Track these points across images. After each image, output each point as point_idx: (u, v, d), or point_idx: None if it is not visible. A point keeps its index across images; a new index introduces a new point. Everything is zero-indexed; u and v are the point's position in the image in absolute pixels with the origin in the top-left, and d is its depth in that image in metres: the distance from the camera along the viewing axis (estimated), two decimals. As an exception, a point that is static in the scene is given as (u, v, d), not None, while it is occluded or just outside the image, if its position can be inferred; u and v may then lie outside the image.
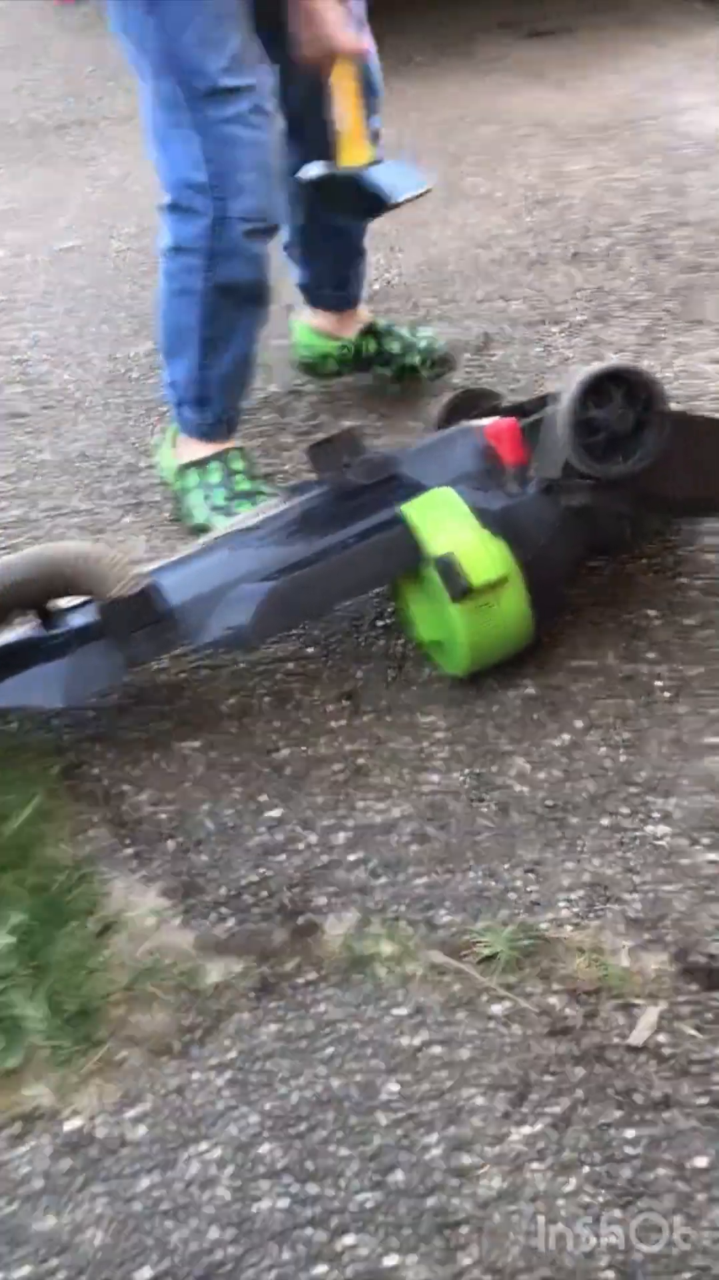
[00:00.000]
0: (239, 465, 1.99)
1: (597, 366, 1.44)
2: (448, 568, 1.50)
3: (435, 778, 1.56)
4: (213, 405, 1.98)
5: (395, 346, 2.27)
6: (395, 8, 4.25)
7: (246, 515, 1.69)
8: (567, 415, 1.42)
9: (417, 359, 2.26)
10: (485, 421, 1.67)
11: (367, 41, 1.86)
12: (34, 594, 1.57)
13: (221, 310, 1.86)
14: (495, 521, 1.55)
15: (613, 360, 1.59)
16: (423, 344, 2.27)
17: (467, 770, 1.57)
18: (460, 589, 1.50)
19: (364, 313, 2.31)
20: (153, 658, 1.65)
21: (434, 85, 3.71)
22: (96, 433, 2.34)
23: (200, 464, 2.00)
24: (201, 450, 2.01)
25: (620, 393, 1.43)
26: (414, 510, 1.56)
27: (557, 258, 2.75)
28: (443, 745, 1.60)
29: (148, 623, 1.55)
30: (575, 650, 1.72)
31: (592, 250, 2.78)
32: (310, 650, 1.76)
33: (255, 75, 1.73)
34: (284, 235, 2.14)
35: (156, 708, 1.68)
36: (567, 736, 1.61)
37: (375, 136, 1.94)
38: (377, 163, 1.86)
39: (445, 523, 1.54)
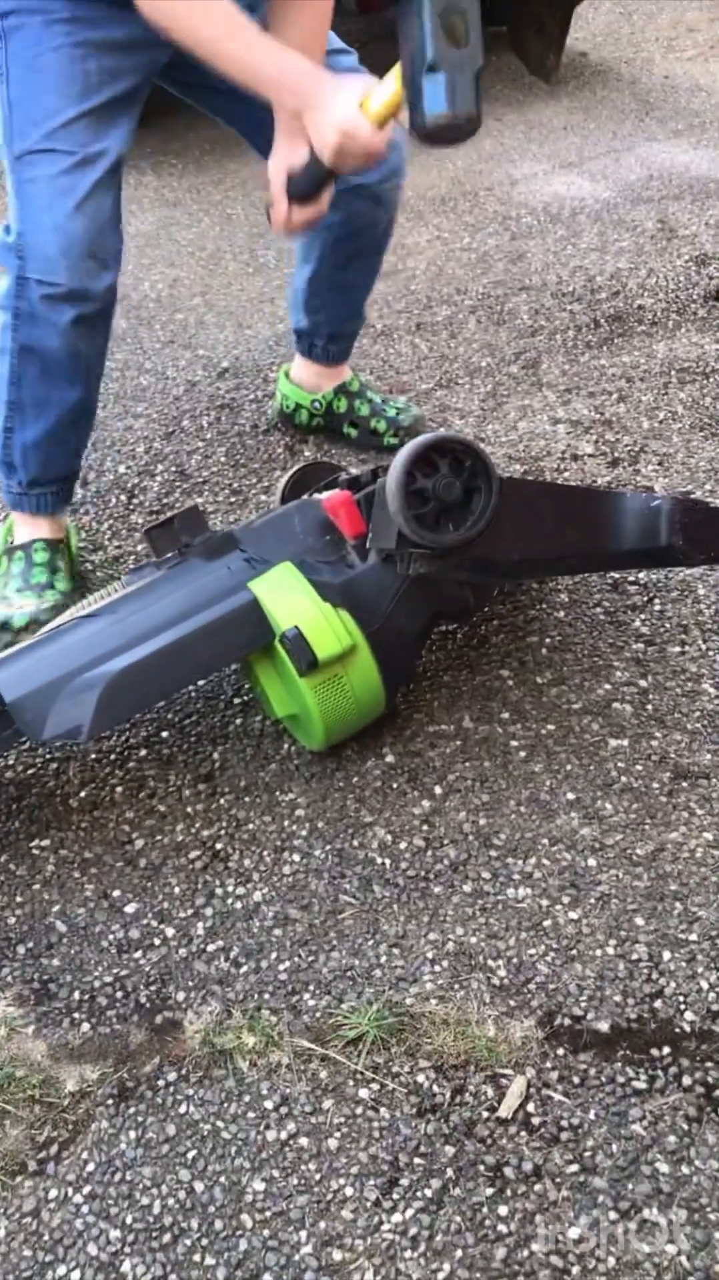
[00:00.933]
0: (41, 558, 1.96)
1: (421, 439, 1.45)
2: (294, 642, 1.49)
3: (297, 857, 1.54)
4: (17, 473, 1.93)
5: (364, 410, 2.33)
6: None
7: (87, 601, 1.65)
8: (395, 488, 1.42)
9: (381, 425, 2.31)
10: (324, 495, 1.67)
11: (315, 211, 1.79)
12: None
13: (26, 374, 1.81)
14: (337, 594, 1.54)
15: (439, 431, 1.59)
16: (391, 412, 2.32)
17: (328, 846, 1.55)
18: (307, 662, 1.49)
19: (345, 371, 2.35)
20: None
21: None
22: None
23: (9, 552, 1.98)
24: (22, 529, 1.98)
25: (446, 462, 1.44)
26: (260, 586, 1.55)
27: (402, 328, 2.80)
28: (303, 823, 1.58)
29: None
30: (432, 715, 1.72)
31: (435, 319, 2.83)
32: (165, 734, 1.73)
33: (80, 142, 1.71)
34: (294, 282, 2.26)
35: (2, 805, 1.63)
36: (427, 804, 1.60)
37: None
38: None
39: (290, 598, 1.53)
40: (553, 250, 3.14)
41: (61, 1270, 1.15)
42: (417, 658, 1.70)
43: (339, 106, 1.59)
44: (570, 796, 1.58)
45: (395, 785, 1.63)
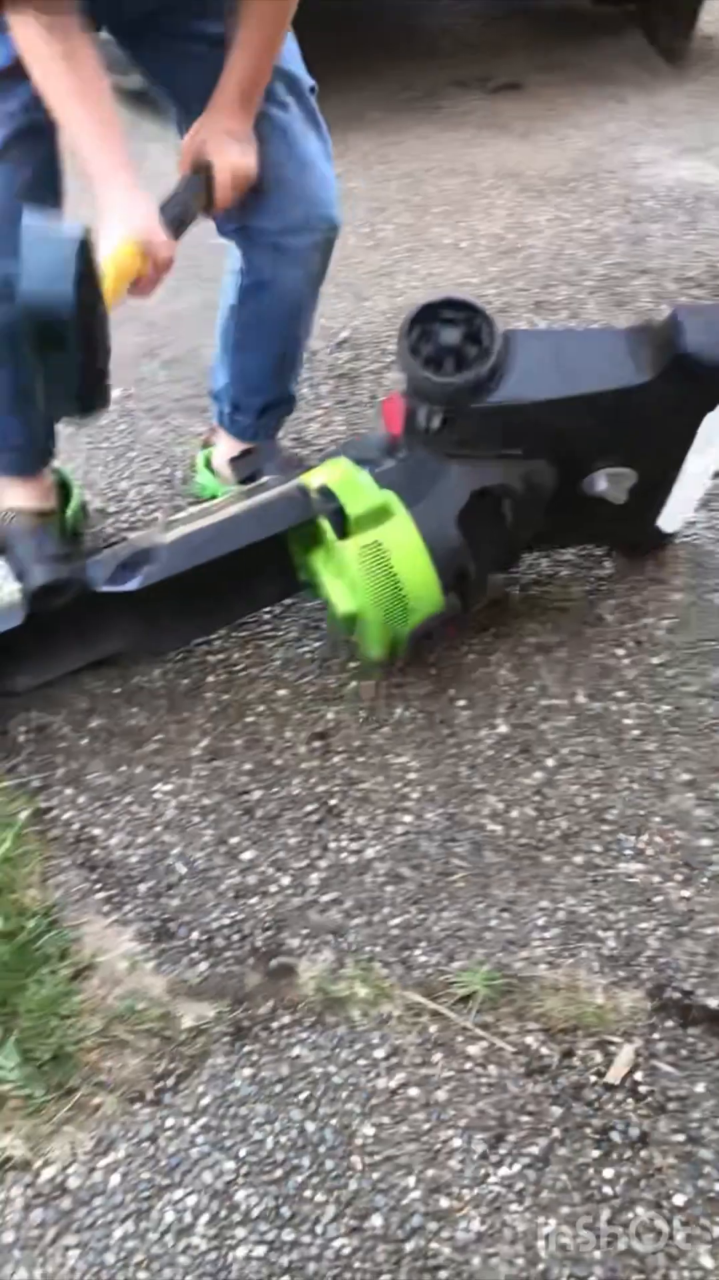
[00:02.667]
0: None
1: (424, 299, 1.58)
2: (323, 493, 1.58)
3: (409, 818, 1.56)
4: None
5: None
6: (347, 67, 4.34)
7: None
8: (400, 340, 1.56)
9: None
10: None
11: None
12: None
13: None
14: (381, 478, 1.62)
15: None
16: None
17: (439, 810, 1.57)
18: (334, 509, 1.57)
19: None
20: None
21: (394, 139, 3.77)
22: None
23: None
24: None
25: (451, 314, 1.57)
26: (306, 476, 1.64)
27: (520, 306, 2.79)
28: (415, 785, 1.61)
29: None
30: (546, 690, 1.73)
31: (554, 299, 2.82)
32: (281, 692, 1.76)
33: None
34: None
35: (127, 752, 1.67)
36: (539, 775, 1.61)
37: None
38: None
39: (327, 472, 1.62)
40: (675, 235, 3.10)
41: (178, 1194, 1.19)
42: (469, 552, 1.65)
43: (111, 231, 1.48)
44: (685, 778, 1.58)
45: (508, 755, 1.64)
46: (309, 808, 1.58)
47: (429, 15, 4.92)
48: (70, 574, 1.62)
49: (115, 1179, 1.20)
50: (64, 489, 2.06)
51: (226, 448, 2.10)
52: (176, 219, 1.56)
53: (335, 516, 1.58)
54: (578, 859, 1.50)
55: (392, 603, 1.59)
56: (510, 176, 3.49)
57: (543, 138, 3.78)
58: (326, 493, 1.59)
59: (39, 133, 1.60)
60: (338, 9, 4.72)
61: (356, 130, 3.83)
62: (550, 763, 1.63)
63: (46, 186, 1.67)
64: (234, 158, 1.64)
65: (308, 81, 1.80)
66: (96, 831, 1.56)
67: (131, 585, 1.59)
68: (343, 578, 1.62)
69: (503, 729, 1.68)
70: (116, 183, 1.50)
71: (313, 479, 1.63)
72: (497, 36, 4.66)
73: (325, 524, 1.59)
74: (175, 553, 1.61)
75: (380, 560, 1.57)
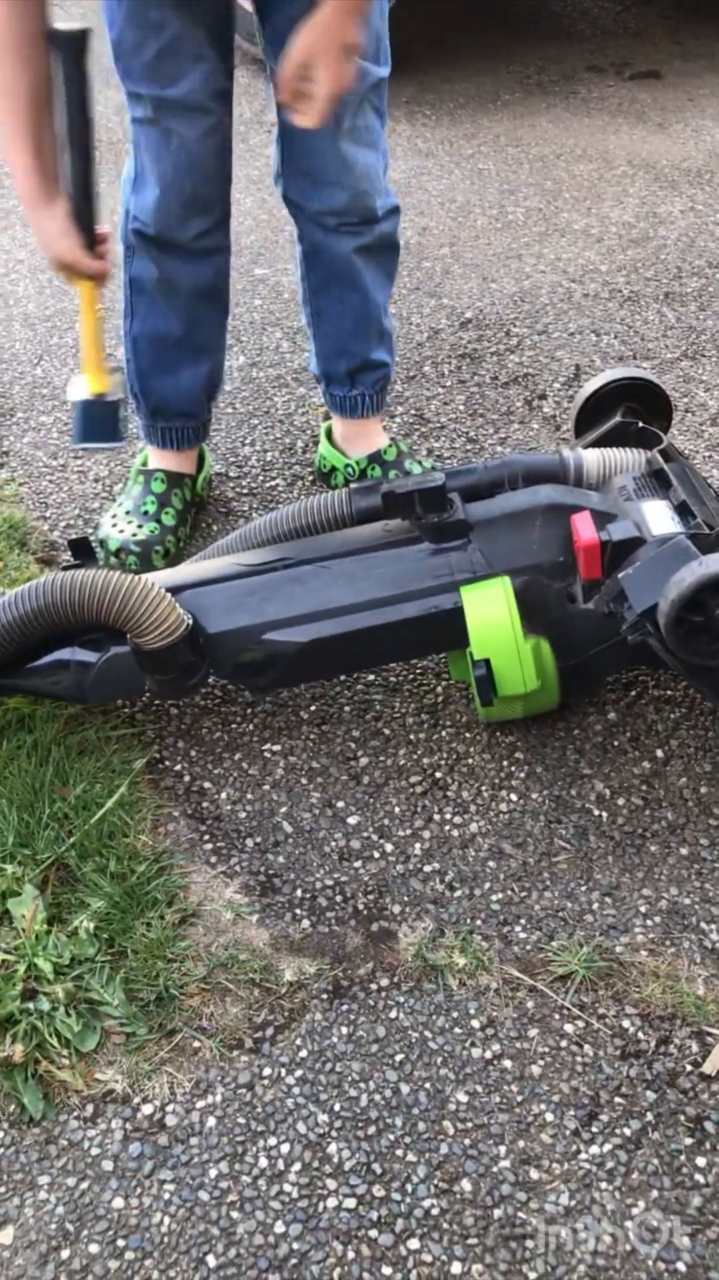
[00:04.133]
0: (157, 488, 2.00)
1: (704, 572, 1.37)
2: (481, 678, 1.49)
3: (514, 797, 1.57)
4: (141, 404, 2.01)
5: None
6: (483, 49, 4.32)
7: (300, 544, 1.64)
8: (668, 616, 1.38)
9: None
10: (576, 515, 1.53)
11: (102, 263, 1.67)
12: (58, 625, 1.51)
13: (136, 307, 1.92)
14: (546, 626, 1.52)
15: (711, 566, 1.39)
16: None
17: (545, 791, 1.57)
18: (486, 699, 1.50)
19: (376, 433, 2.12)
20: (174, 696, 1.66)
21: (528, 122, 3.74)
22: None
23: (139, 474, 2.04)
24: (152, 456, 2.05)
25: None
26: (470, 596, 1.52)
27: (649, 295, 2.76)
28: (522, 765, 1.61)
29: (182, 668, 1.55)
30: (659, 680, 1.72)
31: (684, 290, 2.79)
32: (392, 664, 1.77)
33: (158, 84, 1.70)
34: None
35: (238, 710, 1.70)
36: (647, 764, 1.61)
37: None
38: (101, 397, 1.73)
39: (493, 623, 1.50)
40: None
41: (272, 1141, 1.21)
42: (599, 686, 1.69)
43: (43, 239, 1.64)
44: None
45: (617, 743, 1.64)
46: (415, 778, 1.60)
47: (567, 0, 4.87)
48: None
49: (212, 1121, 1.23)
50: (199, 455, 2.10)
51: (336, 425, 2.13)
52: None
53: (482, 682, 1.49)
54: (683, 850, 1.49)
55: (505, 717, 1.61)
56: (644, 165, 3.45)
57: (679, 128, 3.72)
58: (483, 671, 1.49)
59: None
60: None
61: (490, 112, 3.82)
62: (659, 753, 1.62)
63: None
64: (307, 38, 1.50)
65: (379, 74, 1.79)
66: (207, 785, 1.59)
67: (257, 693, 1.61)
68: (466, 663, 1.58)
69: (612, 716, 1.68)
70: (34, 209, 1.62)
71: (476, 627, 1.50)
72: (635, 23, 4.59)
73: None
74: (307, 659, 1.56)
75: (512, 705, 1.56)
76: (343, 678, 1.74)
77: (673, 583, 1.38)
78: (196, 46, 1.68)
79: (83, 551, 1.65)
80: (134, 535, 1.94)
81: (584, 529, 1.50)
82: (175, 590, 1.55)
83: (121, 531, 1.95)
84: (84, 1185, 1.18)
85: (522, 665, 1.49)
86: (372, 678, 1.75)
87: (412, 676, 1.75)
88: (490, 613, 1.50)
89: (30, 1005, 1.30)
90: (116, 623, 1.48)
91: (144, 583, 1.48)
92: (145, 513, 1.97)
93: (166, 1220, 1.15)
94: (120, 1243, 1.14)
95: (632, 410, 1.83)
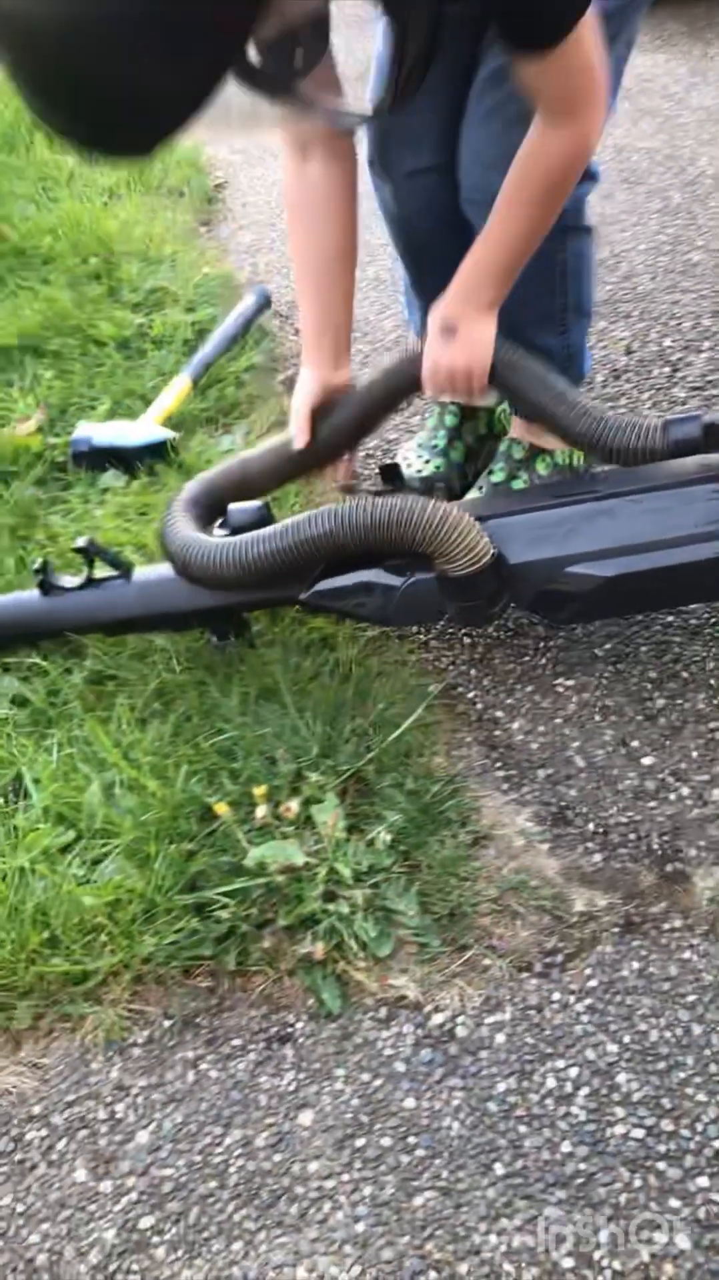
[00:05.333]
0: (449, 422, 1.97)
1: None
2: None
3: None
4: None
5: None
6: None
7: (609, 475, 1.64)
8: None
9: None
10: None
11: None
12: (369, 548, 1.54)
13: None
14: None
15: None
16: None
17: None
18: None
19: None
20: (474, 624, 1.67)
21: None
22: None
23: (439, 405, 2.00)
24: None
25: None
26: None
27: None
28: None
29: (485, 596, 1.56)
30: None
31: None
32: (692, 604, 1.73)
33: None
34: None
35: (531, 643, 1.71)
36: None
37: None
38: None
39: None
40: None
41: (560, 1064, 1.23)
42: None
43: None
44: None
45: None
46: (714, 724, 1.56)
47: None
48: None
49: (500, 1037, 1.26)
50: None
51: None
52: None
53: None
54: None
55: None
56: None
57: None
58: None
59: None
60: None
61: None
62: None
63: None
64: (434, 352, 1.59)
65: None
66: (499, 714, 1.61)
67: (556, 624, 1.61)
68: None
69: None
70: (306, 354, 1.69)
71: None
72: None
73: None
74: (611, 595, 1.54)
75: None
76: (640, 618, 1.71)
77: None
78: None
79: (393, 477, 1.68)
80: (419, 471, 1.96)
81: None
82: (482, 519, 1.55)
83: (409, 465, 1.97)
84: (377, 1082, 1.24)
85: None
86: (671, 619, 1.71)
87: (713, 620, 1.70)
88: None
89: (330, 907, 1.36)
90: (426, 548, 1.51)
91: (453, 510, 1.50)
92: (435, 447, 1.99)
93: (456, 1125, 1.19)
94: (412, 1140, 1.18)
95: None
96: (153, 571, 1.65)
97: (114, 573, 1.66)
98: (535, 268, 1.65)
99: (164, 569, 1.63)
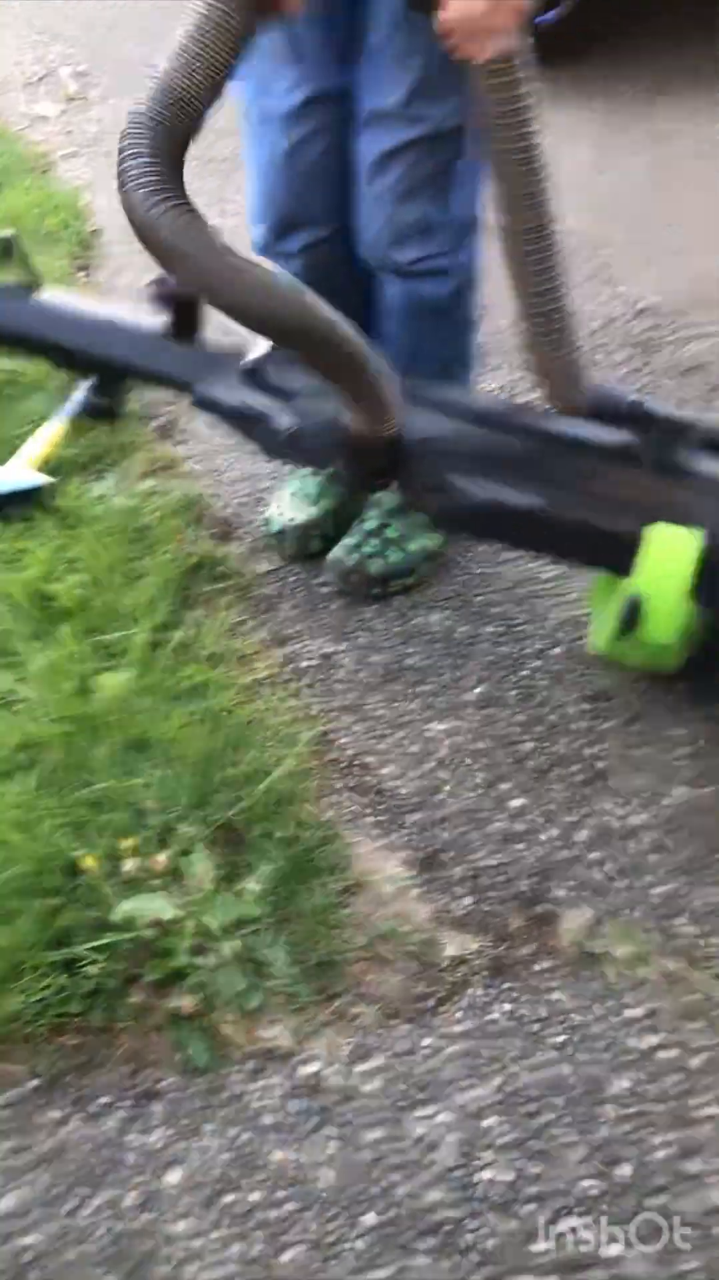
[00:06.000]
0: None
1: None
2: (630, 612, 1.45)
3: (680, 790, 1.55)
4: None
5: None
6: (668, 36, 4.22)
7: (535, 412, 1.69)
8: None
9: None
10: None
11: None
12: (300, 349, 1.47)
13: None
14: (709, 597, 1.47)
15: None
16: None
17: (711, 788, 1.56)
18: (627, 629, 1.46)
19: None
20: (353, 488, 1.72)
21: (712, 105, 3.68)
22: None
23: None
24: None
25: None
26: (658, 535, 1.48)
27: None
28: (690, 760, 1.59)
29: (379, 470, 1.59)
30: None
31: None
32: (556, 651, 1.77)
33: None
34: None
35: (404, 689, 1.72)
36: None
37: None
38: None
39: (668, 570, 1.46)
40: None
41: (431, 1109, 1.23)
42: None
43: None
44: None
45: (788, 741, 1.61)
46: (576, 767, 1.60)
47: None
48: None
49: (371, 1085, 1.26)
50: None
51: None
52: None
53: (628, 613, 1.46)
54: None
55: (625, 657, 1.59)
56: None
57: None
58: (635, 603, 1.45)
59: None
60: None
61: (675, 93, 3.74)
62: None
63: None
64: None
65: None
66: (370, 760, 1.62)
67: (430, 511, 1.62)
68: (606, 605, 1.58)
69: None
70: None
71: (647, 566, 1.47)
72: None
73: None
74: (481, 517, 1.60)
75: (641, 648, 1.52)
76: (506, 664, 1.75)
77: None
78: None
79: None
80: (292, 519, 1.95)
81: None
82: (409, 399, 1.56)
83: (283, 514, 1.98)
84: (246, 1136, 1.22)
85: (672, 617, 1.46)
86: (537, 664, 1.75)
87: (576, 666, 1.74)
88: (670, 559, 1.47)
89: (199, 960, 1.34)
90: (349, 387, 1.49)
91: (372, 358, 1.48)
92: (308, 495, 2.00)
93: (326, 1176, 1.18)
94: (280, 1194, 1.17)
95: None
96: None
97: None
98: (432, 322, 1.69)
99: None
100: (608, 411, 1.57)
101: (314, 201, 1.75)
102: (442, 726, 1.66)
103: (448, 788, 1.57)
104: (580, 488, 1.57)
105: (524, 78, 1.32)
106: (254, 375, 1.69)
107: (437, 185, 1.50)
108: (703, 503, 1.52)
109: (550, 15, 3.14)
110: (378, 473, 1.57)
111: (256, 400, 1.63)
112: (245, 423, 1.66)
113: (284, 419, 1.63)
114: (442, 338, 1.78)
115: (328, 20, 1.57)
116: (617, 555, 1.52)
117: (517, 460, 1.58)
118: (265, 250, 1.78)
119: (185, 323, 1.72)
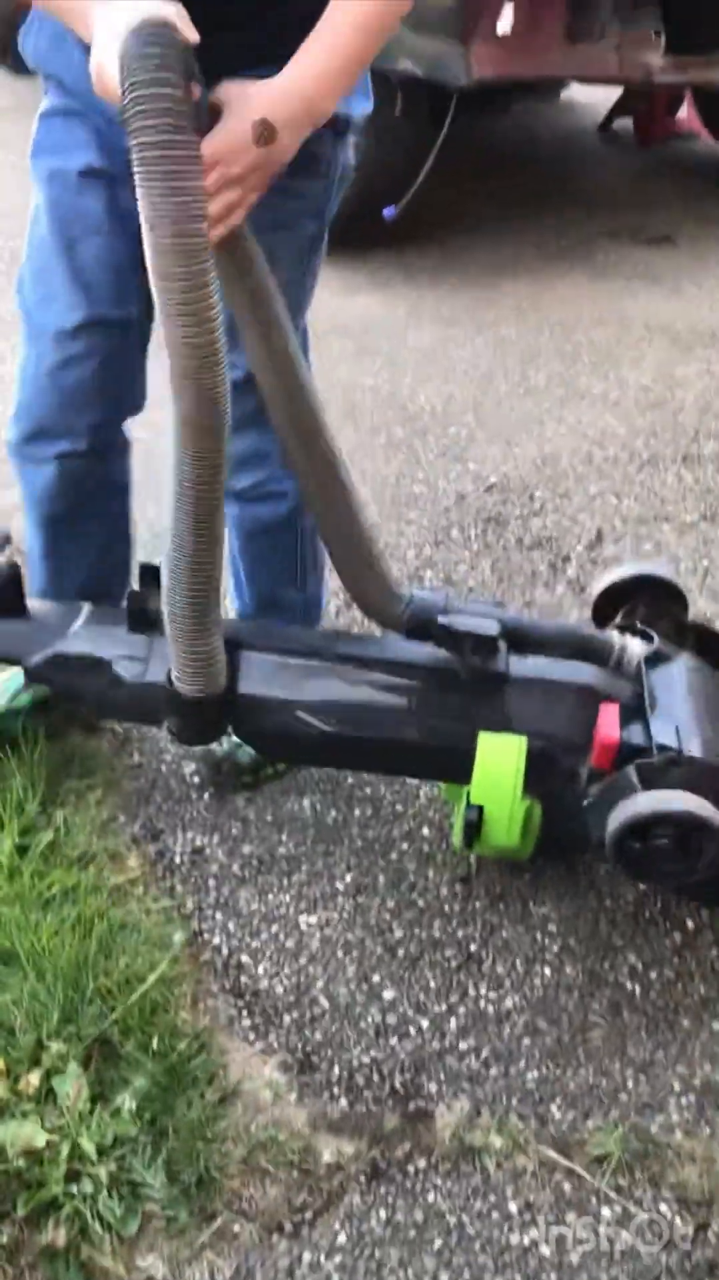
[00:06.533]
0: None
1: (642, 806, 1.43)
2: (470, 823, 1.50)
3: (548, 971, 1.60)
4: None
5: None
6: (504, 215, 4.54)
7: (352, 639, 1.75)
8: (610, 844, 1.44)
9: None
10: (606, 704, 1.56)
11: None
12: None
13: None
14: (545, 794, 1.54)
15: (670, 801, 1.44)
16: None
17: (579, 965, 1.60)
18: (468, 843, 1.51)
19: None
20: (187, 742, 1.69)
21: (547, 287, 3.93)
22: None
23: None
24: None
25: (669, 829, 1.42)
26: (486, 745, 1.54)
27: (668, 458, 2.87)
28: (556, 938, 1.64)
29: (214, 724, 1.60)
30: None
31: (702, 452, 2.90)
32: (426, 831, 1.82)
33: None
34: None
35: (276, 879, 1.74)
36: (678, 936, 1.63)
37: None
38: None
39: (499, 778, 1.52)
40: None
41: (312, 1332, 1.22)
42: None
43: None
44: None
45: (648, 914, 1.67)
46: (449, 951, 1.63)
47: (584, 168, 5.14)
48: None
49: (252, 1310, 1.24)
50: None
51: None
52: None
53: (469, 826, 1.50)
54: (716, 1025, 1.51)
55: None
56: (660, 329, 3.61)
57: (693, 291, 3.90)
58: (471, 818, 1.49)
59: None
60: (494, 158, 4.96)
61: (511, 279, 4.00)
62: (690, 924, 1.65)
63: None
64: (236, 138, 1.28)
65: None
66: (244, 958, 1.63)
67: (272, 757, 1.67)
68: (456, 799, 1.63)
69: (643, 886, 1.71)
70: None
71: (481, 774, 1.51)
72: (649, 191, 4.83)
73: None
74: (324, 748, 1.62)
75: (487, 847, 1.55)
76: (376, 848, 1.78)
77: (611, 817, 1.44)
78: None
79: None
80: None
81: (609, 723, 1.52)
82: (230, 645, 1.55)
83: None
84: None
85: (510, 823, 1.51)
86: (405, 847, 1.79)
87: (445, 847, 1.79)
88: (499, 767, 1.52)
89: (73, 1188, 1.32)
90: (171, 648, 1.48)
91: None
92: None
93: None
94: None
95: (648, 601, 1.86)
96: None
97: None
98: (270, 541, 1.77)
99: None
100: (423, 628, 1.63)
101: (77, 419, 1.71)
102: (313, 919, 1.68)
103: (320, 984, 1.59)
104: (410, 709, 1.61)
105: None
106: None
107: (263, 418, 1.56)
108: (521, 705, 1.58)
109: (391, 210, 3.36)
110: (208, 727, 1.62)
111: (100, 650, 1.63)
112: (86, 677, 1.64)
113: (123, 673, 1.62)
114: (282, 554, 1.85)
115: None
116: (455, 768, 1.57)
117: (347, 691, 1.62)
118: (14, 450, 1.78)
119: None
